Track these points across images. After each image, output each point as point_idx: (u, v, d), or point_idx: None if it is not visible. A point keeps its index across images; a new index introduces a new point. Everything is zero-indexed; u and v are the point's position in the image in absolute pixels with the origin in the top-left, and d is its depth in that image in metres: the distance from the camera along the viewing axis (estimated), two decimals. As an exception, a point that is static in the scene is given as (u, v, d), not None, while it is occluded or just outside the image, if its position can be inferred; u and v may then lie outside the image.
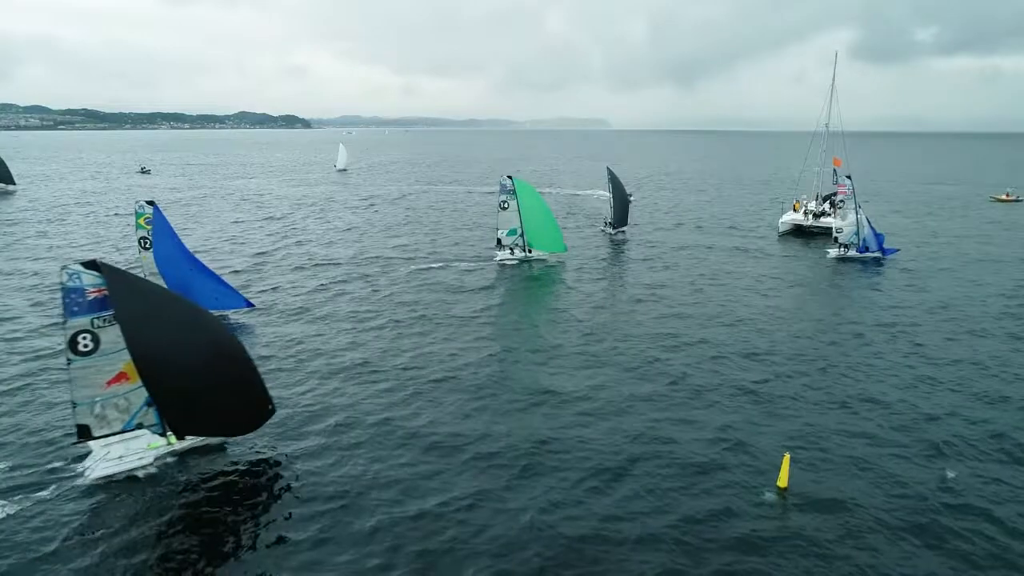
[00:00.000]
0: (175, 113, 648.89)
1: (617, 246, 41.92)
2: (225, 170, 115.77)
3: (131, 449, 14.70)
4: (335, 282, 31.81)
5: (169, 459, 14.82)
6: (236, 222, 51.63)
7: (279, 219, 53.88)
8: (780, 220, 48.41)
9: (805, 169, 51.39)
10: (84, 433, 14.38)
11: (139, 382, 14.19)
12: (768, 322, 25.98)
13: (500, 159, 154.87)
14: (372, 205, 63.63)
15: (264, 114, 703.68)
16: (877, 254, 38.13)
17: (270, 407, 15.52)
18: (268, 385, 15.76)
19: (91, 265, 13.74)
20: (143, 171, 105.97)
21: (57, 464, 14.79)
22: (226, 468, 14.75)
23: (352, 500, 13.51)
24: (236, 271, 33.95)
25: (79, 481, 13.97)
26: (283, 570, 11.54)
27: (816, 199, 50.61)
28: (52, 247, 40.64)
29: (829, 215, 48.18)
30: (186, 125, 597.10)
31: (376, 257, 37.99)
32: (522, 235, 36.22)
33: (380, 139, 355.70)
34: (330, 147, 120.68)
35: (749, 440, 16.10)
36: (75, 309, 13.76)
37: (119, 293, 13.66)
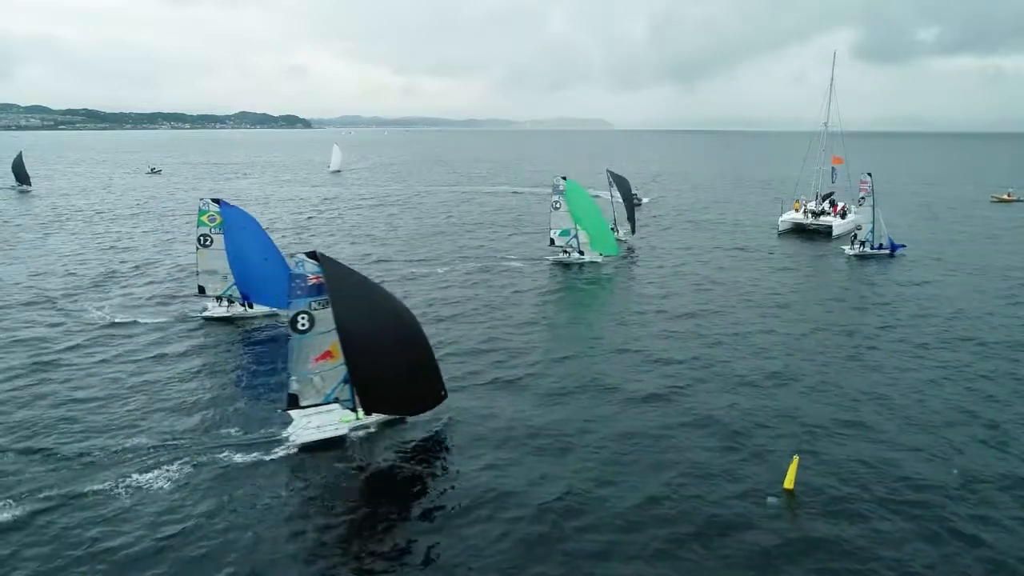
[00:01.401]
0: (176, 113, 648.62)
1: (631, 251, 40.88)
2: (230, 170, 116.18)
3: (327, 420, 16.46)
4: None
5: (357, 432, 16.47)
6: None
7: (287, 219, 54.28)
8: (780, 219, 48.81)
9: (805, 168, 51.72)
10: (293, 402, 16.28)
11: (340, 360, 16.09)
12: (784, 324, 26.15)
13: (502, 159, 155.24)
14: (378, 205, 64.01)
15: (264, 114, 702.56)
16: (889, 251, 38.76)
17: (443, 393, 17.05)
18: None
19: (312, 255, 15.53)
20: (153, 171, 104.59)
21: (266, 430, 16.59)
22: (402, 444, 16.26)
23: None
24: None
25: (284, 445, 15.78)
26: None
27: (816, 198, 50.93)
28: (82, 245, 41.04)
29: (828, 214, 48.58)
30: (187, 125, 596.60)
31: (381, 261, 38.10)
32: (575, 236, 36.08)
33: (380, 139, 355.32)
34: (330, 147, 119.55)
35: (755, 442, 16.34)
36: (298, 293, 15.61)
37: (332, 281, 15.44)
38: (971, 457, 15.52)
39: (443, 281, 32.79)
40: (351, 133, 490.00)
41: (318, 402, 16.45)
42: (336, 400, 16.60)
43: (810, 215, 48.36)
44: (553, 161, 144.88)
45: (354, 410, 16.58)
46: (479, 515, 13.30)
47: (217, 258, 25.29)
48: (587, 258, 36.17)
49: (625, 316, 27.57)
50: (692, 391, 19.37)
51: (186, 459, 15.07)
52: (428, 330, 24.84)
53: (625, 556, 12.10)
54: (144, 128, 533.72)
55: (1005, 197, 68.46)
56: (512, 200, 68.76)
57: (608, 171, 44.48)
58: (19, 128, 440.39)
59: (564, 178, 36.10)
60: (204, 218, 25.21)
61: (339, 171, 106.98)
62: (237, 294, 25.72)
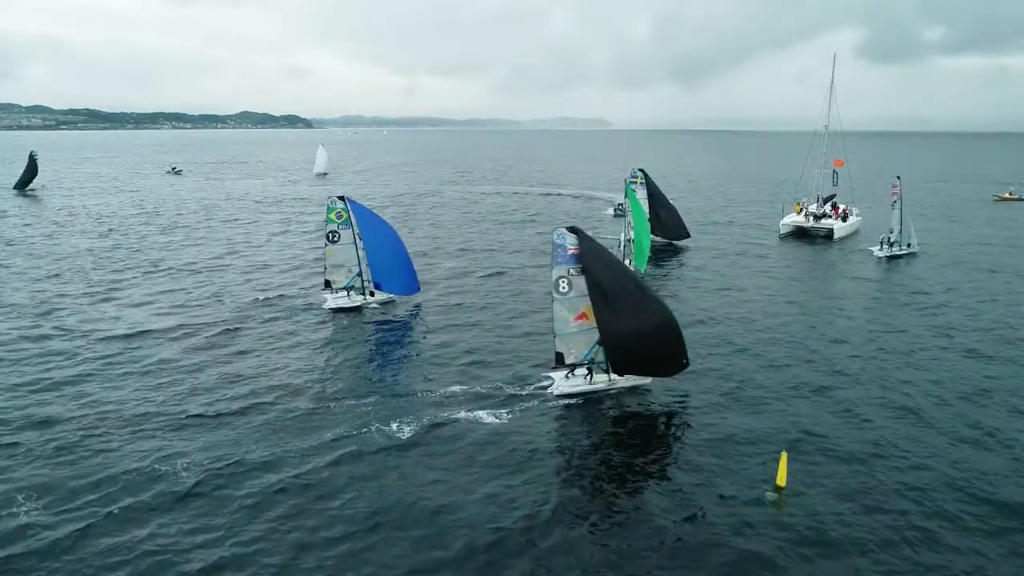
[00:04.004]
0: (177, 113, 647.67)
1: (655, 253, 37.73)
2: (241, 169, 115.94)
3: (584, 380, 18.59)
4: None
5: (609, 391, 18.57)
6: (252, 222, 51.95)
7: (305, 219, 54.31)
8: (781, 222, 48.83)
9: (806, 170, 51.68)
10: (559, 360, 18.54)
11: (594, 323, 17.93)
12: (802, 324, 26.23)
13: (503, 159, 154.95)
14: (385, 207, 63.96)
15: (266, 114, 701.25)
16: (916, 251, 39.21)
17: (685, 360, 18.49)
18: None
19: (572, 229, 17.96)
20: (174, 170, 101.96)
21: (535, 385, 19.18)
22: (644, 407, 18.34)
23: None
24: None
25: (547, 397, 18.26)
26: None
27: (817, 201, 50.88)
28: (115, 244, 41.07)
29: (829, 216, 48.59)
30: (188, 125, 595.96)
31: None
32: (629, 241, 33.95)
33: (380, 139, 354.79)
34: (334, 146, 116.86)
35: (751, 439, 16.49)
36: (559, 260, 17.91)
37: (586, 252, 17.81)
38: (971, 456, 15.60)
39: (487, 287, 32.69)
40: (356, 133, 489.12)
41: (578, 361, 18.48)
42: (592, 361, 18.52)
43: (811, 218, 48.34)
44: (557, 161, 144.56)
45: (607, 372, 18.39)
46: (695, 474, 14.88)
47: (344, 252, 26.61)
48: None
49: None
50: (695, 390, 19.43)
51: (491, 407, 17.70)
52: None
53: (624, 551, 12.30)
54: (146, 128, 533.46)
55: (1007, 196, 68.62)
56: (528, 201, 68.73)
57: (641, 171, 40.78)
58: (20, 128, 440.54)
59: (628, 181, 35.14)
60: (332, 215, 26.31)
61: (325, 174, 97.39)
62: (358, 284, 26.98)
